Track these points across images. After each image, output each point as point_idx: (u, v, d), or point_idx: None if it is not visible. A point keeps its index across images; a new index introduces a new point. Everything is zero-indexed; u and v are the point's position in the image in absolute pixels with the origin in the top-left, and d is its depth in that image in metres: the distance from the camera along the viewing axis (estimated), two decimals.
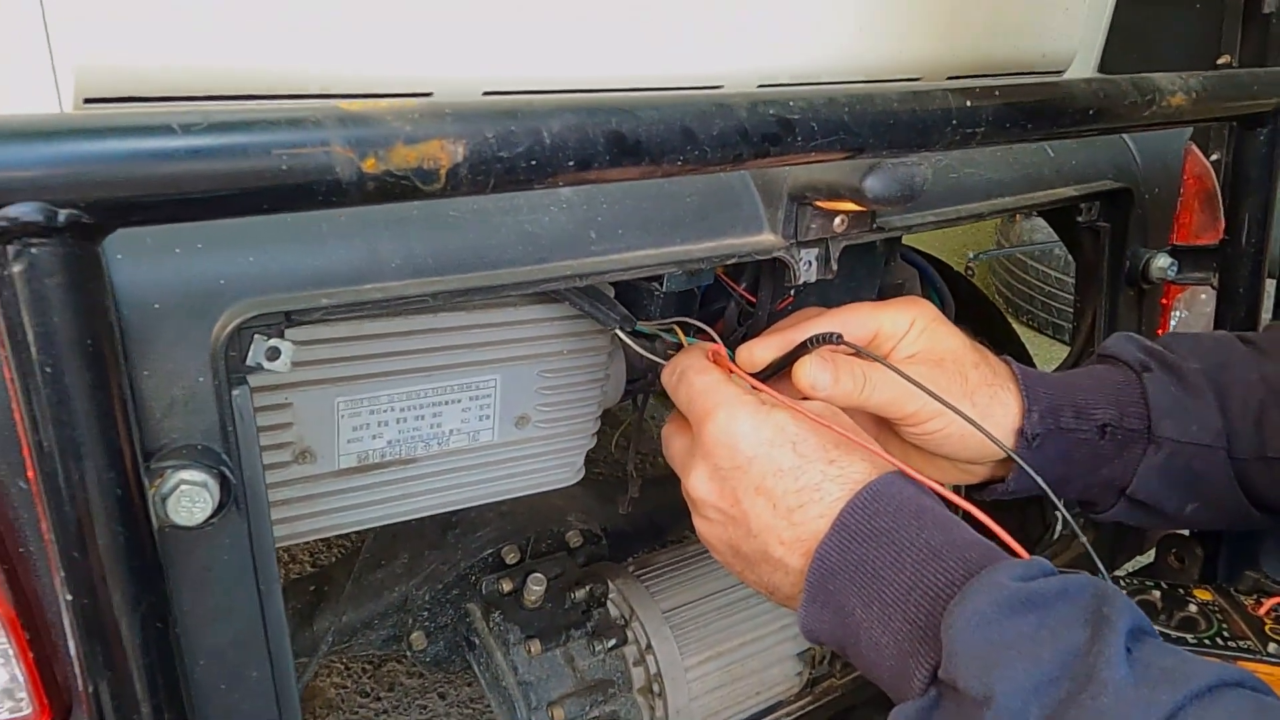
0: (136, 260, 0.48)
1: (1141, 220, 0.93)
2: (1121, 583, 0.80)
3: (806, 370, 0.65)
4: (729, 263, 0.65)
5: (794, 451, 0.59)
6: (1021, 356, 1.42)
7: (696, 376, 0.64)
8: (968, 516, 0.57)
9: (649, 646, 1.05)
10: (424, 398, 0.76)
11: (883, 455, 0.60)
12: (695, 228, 0.63)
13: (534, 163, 0.42)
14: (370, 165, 0.39)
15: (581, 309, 0.70)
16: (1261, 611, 0.77)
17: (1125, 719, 0.42)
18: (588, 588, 1.10)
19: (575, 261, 0.58)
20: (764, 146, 0.48)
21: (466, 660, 1.21)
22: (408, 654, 1.19)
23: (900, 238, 0.97)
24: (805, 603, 0.57)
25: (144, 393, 0.48)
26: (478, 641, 1.19)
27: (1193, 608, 0.78)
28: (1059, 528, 1.17)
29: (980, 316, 1.41)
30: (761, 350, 0.69)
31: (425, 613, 1.16)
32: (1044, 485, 0.64)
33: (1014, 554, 0.54)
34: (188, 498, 0.48)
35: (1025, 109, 0.59)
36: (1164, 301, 1.01)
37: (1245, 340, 0.79)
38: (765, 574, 0.61)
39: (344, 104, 0.40)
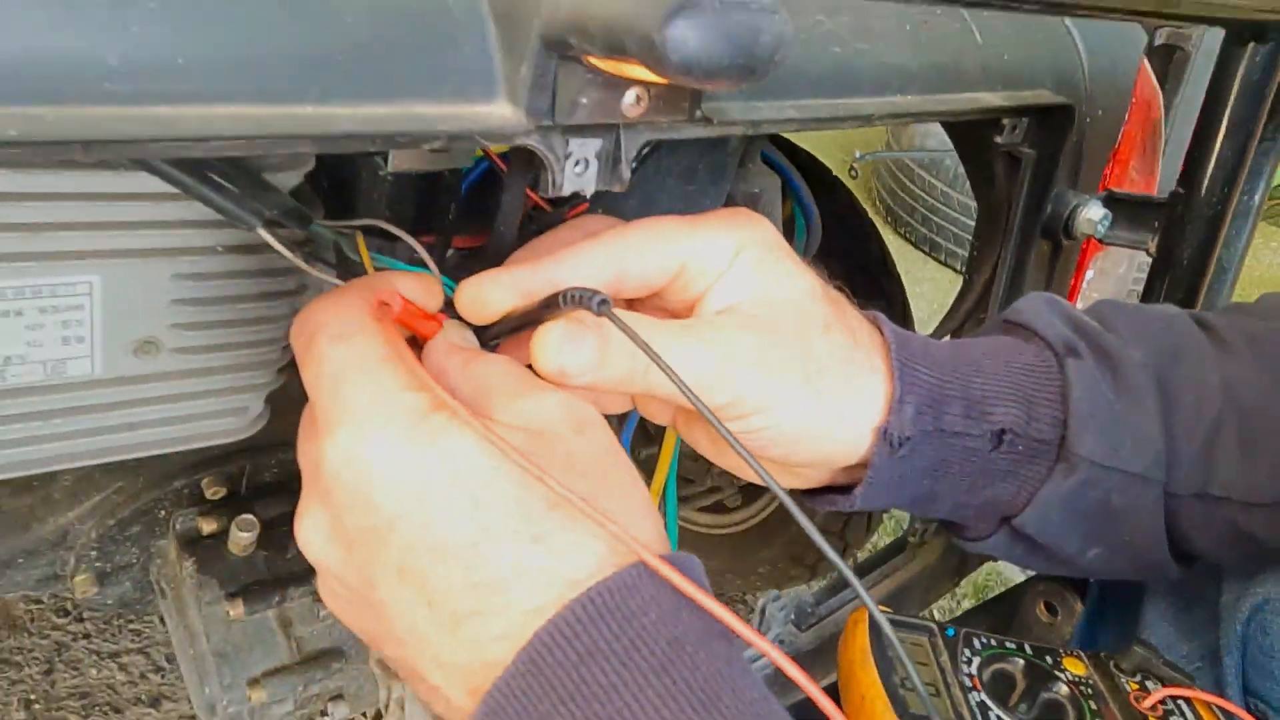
0: None
1: (1076, 152, 0.68)
2: (977, 642, 0.59)
3: (550, 343, 0.39)
4: (430, 146, 0.37)
5: (473, 513, 0.33)
6: (896, 305, 1.18)
7: (330, 345, 0.37)
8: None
9: None
10: None
11: (631, 527, 0.35)
12: (355, 76, 0.34)
13: None
14: None
15: (186, 189, 0.41)
16: (1146, 705, 0.58)
17: None
18: None
19: (73, 110, 0.29)
20: None
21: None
22: (72, 599, 0.92)
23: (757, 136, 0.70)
24: None
25: None
26: (169, 591, 0.92)
27: (1061, 688, 0.57)
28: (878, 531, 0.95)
29: (855, 236, 1.18)
30: (497, 291, 0.42)
31: (94, 552, 0.88)
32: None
33: None
34: None
35: None
36: (1079, 259, 0.79)
37: (1201, 323, 0.55)
38: (422, 693, 0.36)
39: None
